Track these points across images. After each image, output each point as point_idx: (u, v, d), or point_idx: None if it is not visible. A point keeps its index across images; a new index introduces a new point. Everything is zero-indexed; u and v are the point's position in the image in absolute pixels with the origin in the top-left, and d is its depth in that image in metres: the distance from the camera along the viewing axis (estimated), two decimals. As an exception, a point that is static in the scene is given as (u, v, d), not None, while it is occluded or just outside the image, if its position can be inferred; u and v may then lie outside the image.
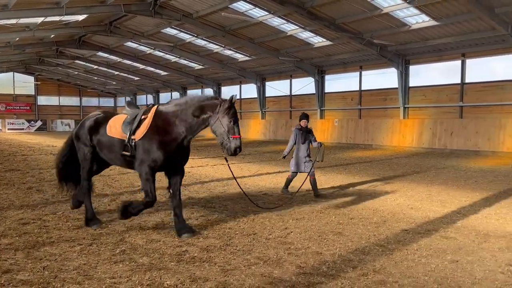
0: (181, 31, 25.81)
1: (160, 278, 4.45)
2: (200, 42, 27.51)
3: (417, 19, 19.03)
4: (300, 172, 9.31)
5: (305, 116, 9.38)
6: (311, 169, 9.08)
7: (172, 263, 4.91)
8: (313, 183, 9.08)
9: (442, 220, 7.02)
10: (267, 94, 33.38)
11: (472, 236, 6.11)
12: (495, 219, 7.10)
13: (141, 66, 36.90)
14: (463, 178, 11.88)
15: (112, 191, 9.53)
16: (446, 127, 20.88)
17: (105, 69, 40.27)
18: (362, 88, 26.29)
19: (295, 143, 9.28)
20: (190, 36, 26.49)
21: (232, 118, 5.90)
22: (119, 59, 35.43)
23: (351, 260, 5.06)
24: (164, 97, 45.82)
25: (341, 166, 14.95)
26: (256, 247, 5.56)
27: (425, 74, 23.56)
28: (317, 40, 23.84)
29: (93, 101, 55.19)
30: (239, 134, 5.98)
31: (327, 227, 6.58)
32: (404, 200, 8.77)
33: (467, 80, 21.10)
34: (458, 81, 21.35)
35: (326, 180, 11.32)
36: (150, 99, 47.54)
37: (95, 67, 39.87)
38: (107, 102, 56.62)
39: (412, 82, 23.52)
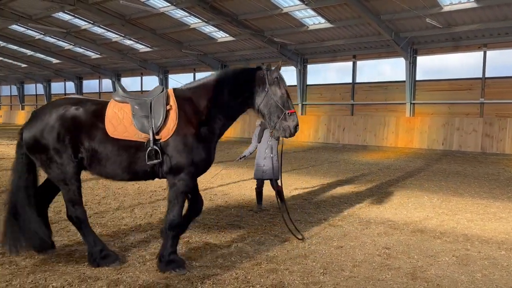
0: (76, 17, 24.07)
1: (45, 280, 4.17)
2: (97, 30, 25.93)
3: (314, 21, 20.11)
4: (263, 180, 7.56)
5: None
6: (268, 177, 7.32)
7: (60, 264, 4.62)
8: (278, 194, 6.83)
9: (331, 210, 7.56)
10: (169, 87, 32.59)
11: (356, 223, 6.68)
12: (376, 208, 7.84)
13: (30, 53, 33.65)
14: (352, 170, 12.89)
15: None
16: (339, 123, 22.42)
17: (-14, 53, 36.05)
18: (264, 85, 27.03)
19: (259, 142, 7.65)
20: (86, 23, 24.83)
21: (285, 87, 4.81)
22: (2, 43, 31.94)
23: (246, 251, 5.22)
24: (56, 86, 42.34)
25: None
26: (152, 242, 5.46)
27: (321, 73, 25.04)
28: (220, 35, 23.96)
29: (-30, 89, 49.14)
30: (294, 108, 4.85)
31: (225, 220, 6.70)
32: (298, 191, 9.26)
33: (357, 80, 22.87)
34: (350, 80, 23.04)
35: (226, 174, 11.48)
36: (41, 88, 43.65)
37: (-27, 50, 35.51)
38: (-12, 90, 50.83)
39: (310, 81, 24.82)
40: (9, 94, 49.34)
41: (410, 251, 5.36)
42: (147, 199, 8.14)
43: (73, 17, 24.12)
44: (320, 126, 23.09)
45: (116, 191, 8.88)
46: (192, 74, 31.06)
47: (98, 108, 4.61)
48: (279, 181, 7.04)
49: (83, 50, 31.25)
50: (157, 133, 4.47)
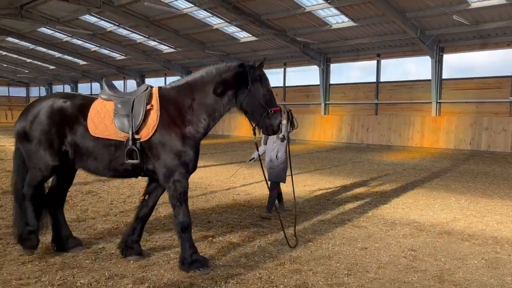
0: (102, 19, 24.57)
1: (73, 277, 4.26)
2: (122, 31, 26.42)
3: (337, 19, 19.93)
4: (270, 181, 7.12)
5: None
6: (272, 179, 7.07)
7: (87, 261, 4.72)
8: (270, 197, 7.02)
9: (355, 211, 7.48)
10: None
11: (380, 224, 6.58)
12: (401, 209, 7.71)
13: (57, 55, 34.54)
14: (376, 171, 12.71)
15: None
16: (363, 123, 22.16)
17: (16, 56, 37.07)
18: (286, 85, 27.01)
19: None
20: (111, 25, 25.32)
21: (268, 86, 4.72)
22: (32, 46, 32.86)
23: (270, 251, 5.21)
24: (82, 87, 43.34)
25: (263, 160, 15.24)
26: (177, 241, 5.51)
27: (344, 72, 24.83)
28: (243, 35, 24.02)
29: (1, 91, 50.65)
30: (278, 106, 4.77)
31: (248, 220, 6.71)
32: (322, 192, 9.19)
33: (381, 79, 22.55)
34: (374, 79, 22.73)
35: (249, 174, 11.50)
36: (68, 89, 44.74)
37: (4, 53, 36.53)
38: (19, 92, 52.23)
39: (333, 80, 24.61)
40: (38, 95, 50.71)
41: (437, 253, 5.25)
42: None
43: (99, 19, 24.62)
44: (343, 125, 22.87)
45: (141, 190, 8.99)
46: (215, 74, 31.24)
47: (84, 104, 4.65)
48: (285, 184, 6.94)
49: (108, 51, 31.86)
50: (137, 133, 4.44)
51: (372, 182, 10.56)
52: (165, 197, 8.26)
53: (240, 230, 6.08)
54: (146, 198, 4.92)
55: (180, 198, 4.47)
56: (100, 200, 7.86)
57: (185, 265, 4.46)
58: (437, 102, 19.88)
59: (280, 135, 6.27)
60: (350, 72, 24.83)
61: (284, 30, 21.69)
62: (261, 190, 9.26)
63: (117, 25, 25.13)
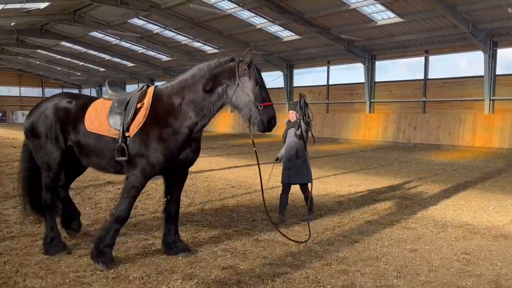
0: (149, 22, 25.35)
1: (126, 271, 4.42)
2: (168, 33, 27.12)
3: (383, 16, 19.46)
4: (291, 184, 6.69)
5: (293, 106, 6.65)
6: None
7: (138, 256, 4.89)
8: (307, 199, 6.65)
9: (404, 211, 7.27)
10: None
11: (430, 226, 6.36)
12: (452, 210, 7.41)
13: (107, 57, 35.98)
14: (424, 171, 12.30)
15: (76, 184, 9.32)
16: (410, 121, 21.50)
17: (69, 59, 38.97)
18: (330, 83, 26.67)
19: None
20: (158, 27, 26.05)
21: (257, 79, 4.47)
22: (83, 49, 34.40)
23: (316, 251, 5.18)
24: (130, 89, 44.78)
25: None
26: (223, 238, 5.60)
27: (390, 70, 24.20)
28: (286, 34, 23.97)
29: (56, 92, 52.94)
30: (271, 100, 4.53)
31: (293, 219, 6.69)
32: (368, 192, 9.01)
33: (430, 76, 21.78)
34: (422, 77, 21.99)
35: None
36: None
37: (58, 57, 38.52)
38: (72, 93, 54.84)
39: (378, 77, 24.05)
40: (89, 96, 53.00)
41: (493, 257, 5.01)
42: (216, 197, 8.35)
43: (146, 22, 25.41)
44: (389, 124, 22.29)
45: (187, 188, 9.20)
46: (258, 74, 31.39)
47: (87, 103, 4.86)
48: (309, 186, 6.63)
49: (155, 53, 32.79)
50: (127, 130, 4.52)
51: (421, 183, 10.22)
52: (211, 195, 8.40)
53: (284, 229, 6.08)
54: (168, 198, 5.03)
55: (129, 191, 4.49)
56: (148, 198, 8.10)
57: (94, 251, 4.50)
58: (490, 99, 18.92)
59: (298, 132, 6.25)
60: (396, 69, 24.18)
61: (328, 28, 21.43)
62: (306, 190, 9.20)
63: (163, 27, 25.82)
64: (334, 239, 5.65)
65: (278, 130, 5.89)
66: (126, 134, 4.52)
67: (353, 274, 4.46)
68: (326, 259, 4.89)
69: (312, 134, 6.55)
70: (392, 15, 18.98)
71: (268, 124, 4.43)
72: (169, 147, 4.45)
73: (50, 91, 52.86)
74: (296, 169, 6.48)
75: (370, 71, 23.79)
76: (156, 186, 9.23)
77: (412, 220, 6.68)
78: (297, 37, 23.65)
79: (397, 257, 5.01)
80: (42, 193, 4.98)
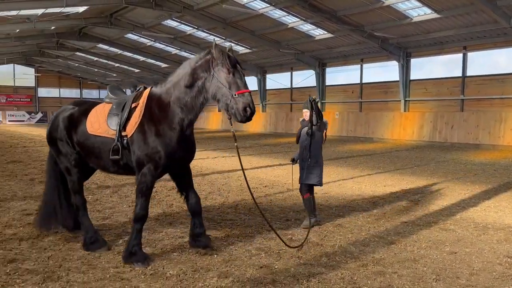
0: (182, 23, 25.74)
1: (163, 268, 4.51)
2: (201, 34, 27.43)
3: (418, 12, 18.97)
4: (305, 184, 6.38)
5: (306, 104, 6.27)
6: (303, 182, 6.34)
7: (174, 253, 4.98)
8: (305, 202, 6.36)
9: (442, 213, 7.08)
10: (267, 87, 33.36)
11: (471, 228, 6.17)
12: (494, 212, 7.16)
13: (142, 58, 36.81)
14: (462, 171, 11.93)
15: (114, 183, 9.58)
16: (447, 120, 20.89)
17: (106, 61, 40.19)
18: (363, 81, 26.25)
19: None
20: (191, 28, 26.41)
21: (230, 68, 4.37)
22: (119, 51, 35.34)
23: (351, 252, 5.12)
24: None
25: (341, 159, 15.00)
26: (257, 237, 5.62)
27: (426, 67, 23.56)
28: (318, 33, 23.78)
29: (93, 93, 55.10)
30: (247, 87, 4.38)
31: (327, 219, 6.64)
32: (403, 193, 8.82)
33: (468, 73, 21.07)
34: (460, 74, 21.31)
35: (326, 173, 11.36)
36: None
37: (96, 59, 39.77)
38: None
39: (413, 75, 23.48)
40: (125, 97, 54.33)
41: (538, 262, 4.80)
42: (249, 196, 8.37)
43: (179, 24, 25.81)
44: (425, 123, 21.73)
45: (221, 187, 9.30)
46: (289, 73, 31.31)
47: (88, 108, 5.11)
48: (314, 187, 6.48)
49: (188, 54, 33.23)
50: (124, 130, 4.69)
51: (459, 183, 9.92)
52: (244, 194, 8.46)
53: (318, 229, 6.04)
54: (184, 195, 5.14)
55: (142, 191, 4.60)
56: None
57: (125, 253, 4.61)
58: (533, 97, 18.14)
59: (308, 131, 6.12)
60: (432, 66, 23.51)
61: (361, 26, 21.10)
62: (339, 189, 9.12)
63: (196, 28, 26.15)
64: (369, 240, 5.57)
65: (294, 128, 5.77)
66: (123, 134, 4.70)
67: (390, 276, 4.38)
68: (361, 260, 4.83)
69: (325, 134, 6.39)
70: (428, 11, 18.48)
71: (244, 112, 4.27)
72: (165, 143, 4.58)
73: (88, 92, 54.79)
74: (308, 169, 6.26)
75: (405, 69, 23.25)
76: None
77: (451, 222, 6.50)
78: (329, 35, 23.41)
79: (436, 259, 4.88)
80: (71, 197, 5.30)
